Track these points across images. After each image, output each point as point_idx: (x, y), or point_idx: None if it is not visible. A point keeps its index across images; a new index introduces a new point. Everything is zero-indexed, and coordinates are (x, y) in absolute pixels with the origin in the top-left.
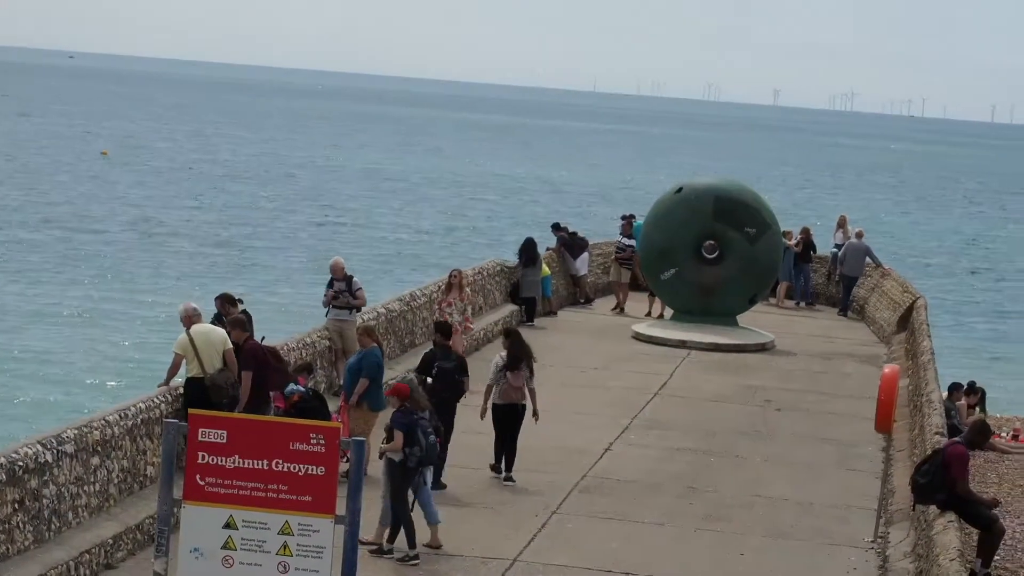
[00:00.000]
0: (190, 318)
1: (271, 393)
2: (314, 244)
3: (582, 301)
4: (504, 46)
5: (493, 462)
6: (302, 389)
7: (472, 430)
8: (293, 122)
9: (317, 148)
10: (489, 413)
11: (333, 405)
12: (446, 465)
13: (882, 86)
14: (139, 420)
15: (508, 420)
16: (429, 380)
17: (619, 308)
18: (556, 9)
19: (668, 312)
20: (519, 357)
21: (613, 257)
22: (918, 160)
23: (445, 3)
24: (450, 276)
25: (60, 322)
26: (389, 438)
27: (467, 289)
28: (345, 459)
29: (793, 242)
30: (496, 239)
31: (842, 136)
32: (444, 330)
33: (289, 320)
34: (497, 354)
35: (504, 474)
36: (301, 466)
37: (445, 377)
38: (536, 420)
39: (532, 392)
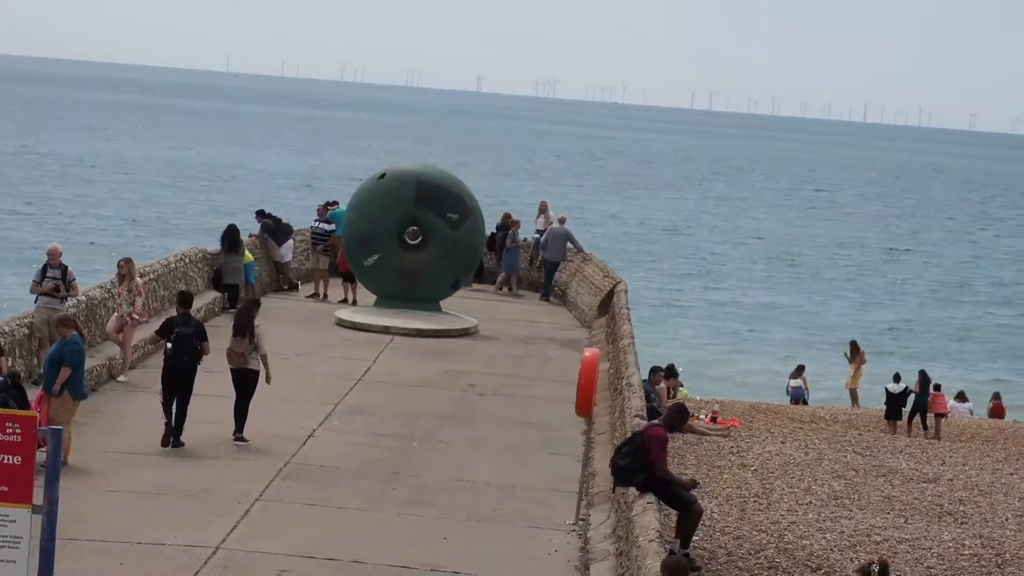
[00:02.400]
0: None
1: None
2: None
3: (286, 288)
4: (194, 30)
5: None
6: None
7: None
8: None
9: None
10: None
11: (32, 393)
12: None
13: (584, 73)
14: None
15: (237, 383)
16: (169, 345)
17: (317, 295)
18: None
19: (369, 298)
20: (240, 325)
21: (311, 243)
22: (618, 146)
23: None
24: (118, 266)
25: None
26: None
27: (137, 279)
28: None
29: (510, 241)
30: (197, 225)
31: (544, 122)
32: (184, 299)
33: None
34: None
35: (236, 434)
36: None
37: (183, 342)
38: (268, 383)
39: (264, 357)
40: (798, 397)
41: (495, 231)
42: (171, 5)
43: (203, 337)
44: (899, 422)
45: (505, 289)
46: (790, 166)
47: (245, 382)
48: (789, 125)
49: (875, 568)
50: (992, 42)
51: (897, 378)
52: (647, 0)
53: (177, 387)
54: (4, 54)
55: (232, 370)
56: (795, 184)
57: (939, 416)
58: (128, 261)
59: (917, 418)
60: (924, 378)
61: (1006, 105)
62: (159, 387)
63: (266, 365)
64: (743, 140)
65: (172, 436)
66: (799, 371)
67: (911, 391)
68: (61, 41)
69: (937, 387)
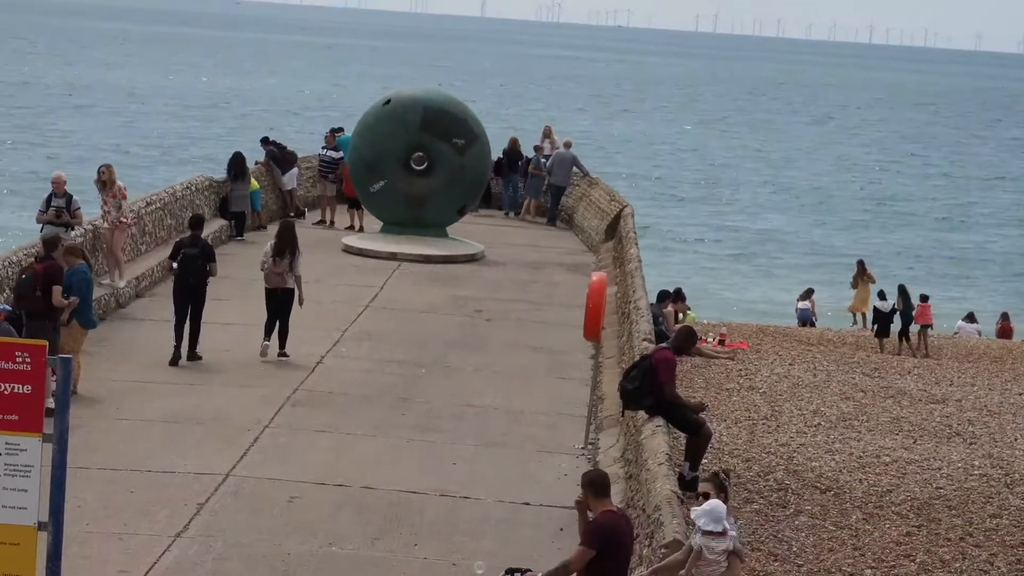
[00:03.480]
0: None
1: None
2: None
3: (292, 215)
4: None
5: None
6: (7, 308)
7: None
8: None
9: None
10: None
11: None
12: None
13: None
14: None
15: (273, 302)
16: (175, 265)
17: (324, 222)
18: None
19: (376, 224)
20: (282, 248)
21: (318, 170)
22: (623, 70)
23: None
24: (99, 172)
25: None
26: None
27: (119, 184)
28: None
29: (532, 167)
30: (202, 153)
31: (549, 47)
32: (194, 222)
33: None
34: (268, 242)
35: (279, 350)
36: (6, 385)
37: (188, 263)
38: (301, 305)
39: (298, 279)
40: (806, 319)
41: (501, 156)
42: None
43: (210, 258)
44: (890, 339)
45: (513, 215)
46: (796, 88)
47: (279, 301)
48: (794, 47)
49: (724, 476)
50: None
51: (882, 295)
52: None
53: (187, 306)
54: None
55: (268, 290)
56: (801, 106)
57: (924, 328)
58: (108, 167)
59: (914, 332)
60: (904, 293)
61: (1013, 25)
62: (169, 315)
63: (299, 286)
64: (748, 62)
65: (188, 351)
66: (808, 294)
67: (896, 309)
68: None
69: (924, 298)
